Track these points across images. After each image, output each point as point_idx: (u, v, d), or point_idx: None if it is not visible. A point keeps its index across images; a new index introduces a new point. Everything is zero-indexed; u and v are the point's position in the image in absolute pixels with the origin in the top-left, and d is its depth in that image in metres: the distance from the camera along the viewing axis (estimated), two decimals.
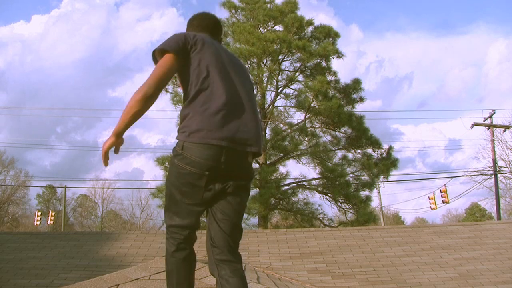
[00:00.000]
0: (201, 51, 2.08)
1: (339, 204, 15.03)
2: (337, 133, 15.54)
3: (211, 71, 2.05)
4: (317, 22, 15.93)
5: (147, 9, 71.87)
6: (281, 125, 15.41)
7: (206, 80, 2.03)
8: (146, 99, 1.99)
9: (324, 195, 15.13)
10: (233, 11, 16.20)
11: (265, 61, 15.23)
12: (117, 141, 2.03)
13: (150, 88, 1.99)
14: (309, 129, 15.15)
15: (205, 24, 2.34)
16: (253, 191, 14.91)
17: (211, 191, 2.00)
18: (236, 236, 2.07)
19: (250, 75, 2.38)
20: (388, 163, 15.18)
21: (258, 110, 2.21)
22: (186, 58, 2.08)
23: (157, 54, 2.11)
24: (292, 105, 15.75)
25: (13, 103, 52.14)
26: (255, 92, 2.19)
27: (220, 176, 1.98)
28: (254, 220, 15.08)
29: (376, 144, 15.34)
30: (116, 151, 2.08)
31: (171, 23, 68.19)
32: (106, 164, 2.04)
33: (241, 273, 2.00)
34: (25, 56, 63.39)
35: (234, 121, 1.98)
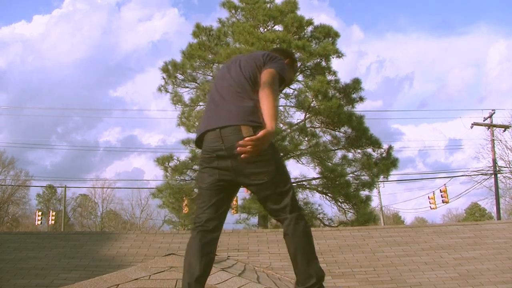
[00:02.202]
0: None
1: (339, 204, 15.02)
2: (337, 133, 15.52)
3: (212, 87, 2.53)
4: (318, 23, 15.96)
5: (148, 9, 71.82)
6: (281, 125, 15.40)
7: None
8: None
9: (324, 195, 15.12)
10: (233, 11, 16.17)
11: None
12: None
13: None
14: (309, 129, 15.14)
15: None
16: None
17: (219, 169, 2.27)
18: (272, 203, 2.27)
19: (253, 60, 2.50)
20: (388, 163, 15.17)
21: (245, 93, 2.36)
22: None
23: None
24: (292, 105, 15.76)
25: (14, 103, 51.99)
26: (248, 74, 2.42)
27: (222, 157, 2.25)
28: (254, 220, 15.10)
29: (376, 144, 15.32)
30: None
31: (172, 24, 68.15)
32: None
33: (289, 237, 2.23)
34: (26, 56, 63.35)
35: (208, 114, 2.40)
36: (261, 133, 2.11)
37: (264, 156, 2.20)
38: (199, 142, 2.39)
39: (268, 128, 2.14)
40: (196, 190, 15.60)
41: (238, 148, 2.13)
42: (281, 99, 16.03)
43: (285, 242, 2.26)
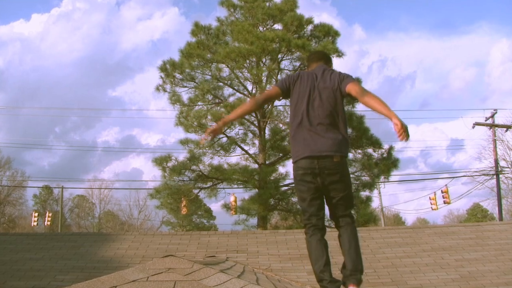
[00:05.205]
0: (295, 87, 3.21)
1: None
2: None
3: (297, 102, 3.15)
4: (318, 22, 15.88)
5: (148, 8, 71.88)
6: (281, 125, 15.35)
7: (295, 108, 3.16)
8: (252, 102, 3.50)
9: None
10: (232, 10, 16.10)
11: (264, 60, 15.14)
12: (219, 125, 3.22)
13: (259, 97, 3.39)
14: None
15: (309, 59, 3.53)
16: (252, 192, 14.84)
17: (313, 182, 3.02)
18: (341, 216, 3.06)
19: (334, 81, 3.12)
20: (388, 163, 15.10)
21: (333, 118, 3.03)
22: (289, 92, 3.25)
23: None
24: (290, 105, 15.63)
25: (12, 102, 51.75)
26: (333, 97, 3.12)
27: (315, 174, 2.99)
28: (253, 221, 15.01)
29: (376, 144, 15.25)
30: (211, 134, 3.21)
31: (172, 22, 68.17)
32: (205, 136, 3.22)
33: (346, 228, 3.03)
34: (24, 55, 63.34)
35: (303, 142, 3.05)
36: (398, 122, 2.80)
37: (344, 178, 3.02)
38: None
39: (395, 116, 2.85)
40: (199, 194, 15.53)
41: (401, 136, 2.83)
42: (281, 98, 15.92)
43: (340, 234, 3.03)
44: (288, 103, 15.97)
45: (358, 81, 3.14)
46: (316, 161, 2.95)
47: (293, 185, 15.21)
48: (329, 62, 3.38)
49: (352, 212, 3.09)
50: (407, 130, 2.84)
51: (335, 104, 3.05)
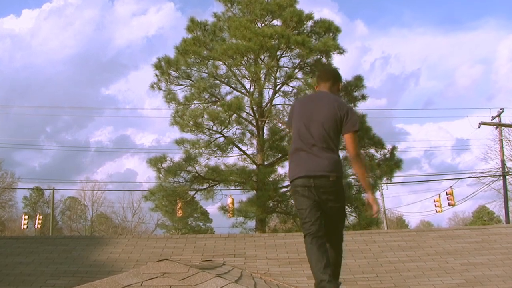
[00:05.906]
0: (294, 115, 3.47)
1: None
2: None
3: (293, 128, 3.40)
4: (319, 17, 15.83)
5: (143, 3, 71.65)
6: (279, 124, 15.24)
7: (294, 131, 3.40)
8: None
9: None
10: (229, 5, 16.09)
11: (262, 57, 15.11)
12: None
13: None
14: None
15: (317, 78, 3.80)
16: (250, 194, 14.68)
17: (309, 197, 3.22)
18: (332, 230, 3.30)
19: (332, 105, 3.29)
20: (391, 164, 15.02)
21: (326, 142, 3.21)
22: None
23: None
24: (291, 103, 15.50)
25: (1, 101, 50.53)
26: (331, 119, 3.29)
27: (310, 190, 3.20)
28: (251, 223, 14.93)
29: (379, 144, 15.16)
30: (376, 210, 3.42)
31: (168, 18, 67.84)
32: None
33: (332, 247, 3.28)
34: (15, 52, 62.98)
35: (299, 162, 3.29)
36: (376, 205, 3.31)
37: (338, 197, 3.26)
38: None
39: (373, 195, 3.35)
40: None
41: (372, 215, 3.34)
42: (280, 97, 15.94)
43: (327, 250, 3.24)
44: (287, 102, 16.03)
45: (358, 129, 3.39)
46: (312, 180, 3.16)
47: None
48: (337, 81, 3.58)
49: (340, 237, 3.39)
50: (379, 210, 3.38)
51: (333, 130, 3.24)
